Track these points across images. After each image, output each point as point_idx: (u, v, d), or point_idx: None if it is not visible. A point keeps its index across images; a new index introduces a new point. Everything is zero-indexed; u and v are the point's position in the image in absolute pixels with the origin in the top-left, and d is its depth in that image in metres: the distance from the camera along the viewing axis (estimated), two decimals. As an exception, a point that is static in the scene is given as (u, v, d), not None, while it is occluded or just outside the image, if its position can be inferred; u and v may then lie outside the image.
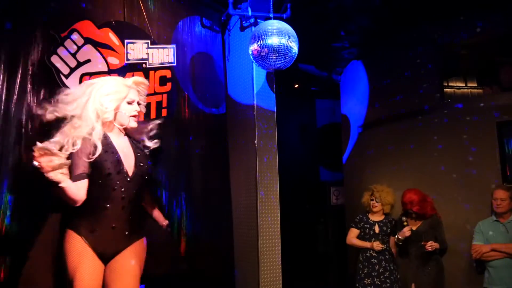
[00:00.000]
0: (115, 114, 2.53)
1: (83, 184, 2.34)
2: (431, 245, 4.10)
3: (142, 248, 2.60)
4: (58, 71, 3.21)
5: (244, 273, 4.08)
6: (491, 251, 3.80)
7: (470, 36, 4.62)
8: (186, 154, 3.96)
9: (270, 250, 3.92)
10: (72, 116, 2.45)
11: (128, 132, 2.65)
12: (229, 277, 4.17)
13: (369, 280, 4.35)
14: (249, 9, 3.98)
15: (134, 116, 2.58)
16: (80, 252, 2.36)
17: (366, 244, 4.44)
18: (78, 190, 2.31)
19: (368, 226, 4.53)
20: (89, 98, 2.47)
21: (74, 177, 2.30)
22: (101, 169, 2.39)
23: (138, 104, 2.62)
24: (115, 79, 2.66)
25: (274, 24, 3.60)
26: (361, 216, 4.63)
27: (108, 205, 2.42)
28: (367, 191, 4.70)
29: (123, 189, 2.45)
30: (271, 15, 3.79)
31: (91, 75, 3.35)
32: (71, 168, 2.31)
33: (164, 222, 2.97)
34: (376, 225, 4.50)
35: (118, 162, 2.45)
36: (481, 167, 4.30)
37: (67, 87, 3.18)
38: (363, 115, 5.71)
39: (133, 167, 2.52)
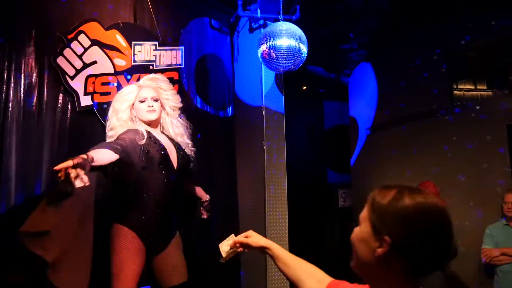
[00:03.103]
0: (133, 113, 2.74)
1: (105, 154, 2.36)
2: None
3: (179, 239, 2.80)
4: (64, 73, 3.22)
5: (250, 274, 4.07)
6: (501, 255, 3.77)
7: (480, 38, 4.59)
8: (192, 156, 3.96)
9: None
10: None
11: (165, 132, 2.85)
12: (235, 278, 4.16)
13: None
14: (258, 11, 3.97)
15: (148, 111, 2.71)
16: (128, 244, 2.50)
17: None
18: (103, 160, 2.32)
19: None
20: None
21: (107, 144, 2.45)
22: (150, 159, 2.56)
23: (156, 100, 2.75)
24: (133, 83, 2.94)
25: (284, 26, 3.59)
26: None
27: (160, 197, 2.58)
28: (375, 194, 4.67)
29: (175, 181, 2.64)
30: (280, 16, 3.78)
31: (97, 76, 3.35)
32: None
33: (206, 198, 3.12)
34: (384, 227, 4.47)
35: (164, 154, 2.63)
36: (491, 170, 4.26)
37: (73, 88, 3.22)
38: (371, 118, 5.68)
39: (176, 160, 2.69)
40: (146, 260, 2.61)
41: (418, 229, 1.02)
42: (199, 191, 3.11)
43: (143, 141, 2.56)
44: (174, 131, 2.84)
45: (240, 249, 1.60)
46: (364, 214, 1.13)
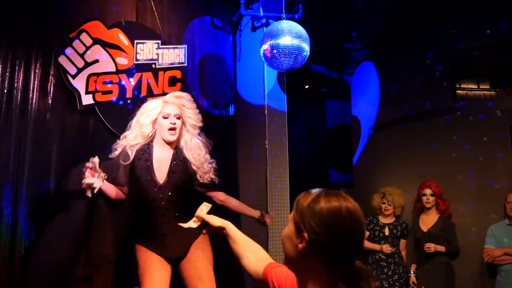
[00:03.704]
0: (155, 128, 2.80)
1: (113, 187, 2.68)
2: (428, 247, 4.07)
3: (204, 239, 2.78)
4: (65, 71, 3.21)
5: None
6: (503, 255, 3.76)
7: (483, 37, 4.57)
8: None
9: (281, 252, 3.91)
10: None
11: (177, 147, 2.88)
12: (238, 277, 4.15)
13: (377, 283, 4.32)
14: (261, 10, 3.97)
15: (170, 129, 2.76)
16: (145, 258, 2.65)
17: (376, 247, 4.41)
18: (112, 191, 2.66)
19: (378, 228, 4.50)
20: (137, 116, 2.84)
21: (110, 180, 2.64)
22: (133, 175, 2.70)
23: (178, 118, 2.79)
24: (157, 98, 2.97)
25: (286, 25, 3.59)
26: (371, 218, 4.60)
27: (151, 214, 2.67)
28: (378, 194, 4.66)
29: (157, 197, 2.67)
30: (283, 15, 3.77)
31: (98, 75, 3.35)
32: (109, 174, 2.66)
33: (257, 214, 3.12)
34: (386, 227, 4.47)
35: (148, 169, 2.69)
36: (494, 170, 4.25)
37: (74, 87, 3.22)
38: (374, 117, 5.67)
39: (166, 176, 2.71)
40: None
41: (330, 228, 1.19)
42: (248, 210, 3.12)
43: (129, 161, 2.71)
44: (190, 147, 2.86)
45: (198, 223, 1.80)
46: (291, 215, 1.29)
